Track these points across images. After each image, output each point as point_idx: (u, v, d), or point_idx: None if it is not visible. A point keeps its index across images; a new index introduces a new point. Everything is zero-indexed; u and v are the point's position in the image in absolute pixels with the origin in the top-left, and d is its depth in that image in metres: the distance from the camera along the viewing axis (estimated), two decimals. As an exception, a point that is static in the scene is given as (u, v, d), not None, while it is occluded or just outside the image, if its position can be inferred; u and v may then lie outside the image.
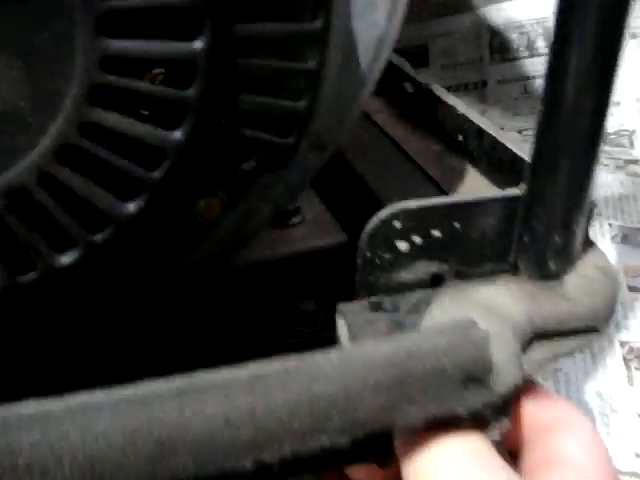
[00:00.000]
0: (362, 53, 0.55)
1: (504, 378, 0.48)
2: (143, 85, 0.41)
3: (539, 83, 1.49)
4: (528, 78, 1.48)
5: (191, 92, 0.42)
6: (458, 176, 0.78)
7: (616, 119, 1.49)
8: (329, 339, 0.67)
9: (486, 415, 0.48)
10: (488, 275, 0.63)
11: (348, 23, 0.52)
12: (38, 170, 0.42)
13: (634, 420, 0.90)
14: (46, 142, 0.42)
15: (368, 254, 0.58)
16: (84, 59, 0.40)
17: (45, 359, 0.50)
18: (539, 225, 0.58)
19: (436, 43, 1.52)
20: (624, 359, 0.98)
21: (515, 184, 0.74)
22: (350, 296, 0.70)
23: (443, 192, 0.76)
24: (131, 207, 0.45)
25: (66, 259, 0.46)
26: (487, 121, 0.78)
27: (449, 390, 0.45)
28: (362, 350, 0.43)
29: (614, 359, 0.98)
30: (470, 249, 0.61)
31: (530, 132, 1.48)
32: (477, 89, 1.52)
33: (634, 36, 1.47)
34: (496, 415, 0.49)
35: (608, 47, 0.52)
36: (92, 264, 0.47)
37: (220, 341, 0.71)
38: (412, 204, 0.58)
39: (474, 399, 0.46)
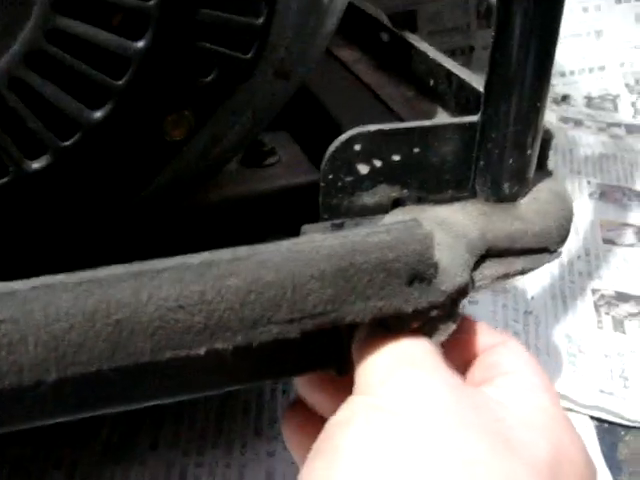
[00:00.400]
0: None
1: (450, 279, 0.51)
2: (107, -7, 0.44)
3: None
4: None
5: (152, 3, 0.45)
6: (428, 117, 0.81)
7: (600, 83, 1.52)
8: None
9: (432, 316, 0.51)
10: (448, 201, 0.65)
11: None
12: (8, 74, 0.45)
13: (601, 360, 0.93)
14: (15, 47, 0.45)
15: (330, 176, 0.61)
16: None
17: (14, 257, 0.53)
18: (494, 149, 0.61)
19: (424, 9, 1.54)
20: (595, 305, 1.01)
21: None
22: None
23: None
24: (98, 114, 0.48)
25: (37, 164, 0.49)
26: (455, 64, 0.81)
27: (395, 286, 0.48)
28: (311, 242, 0.46)
29: (585, 304, 1.01)
30: (430, 175, 0.64)
31: None
32: (464, 54, 1.55)
33: (619, 1, 1.50)
34: (443, 318, 0.52)
35: None
36: (61, 171, 0.49)
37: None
38: (371, 127, 0.61)
39: (420, 296, 0.49)
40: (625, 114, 1.48)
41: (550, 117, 1.35)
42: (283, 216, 0.80)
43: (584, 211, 1.18)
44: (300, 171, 0.80)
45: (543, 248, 0.62)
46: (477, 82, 0.77)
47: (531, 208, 0.62)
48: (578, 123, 1.42)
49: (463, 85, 0.78)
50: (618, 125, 1.44)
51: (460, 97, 0.79)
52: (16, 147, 0.48)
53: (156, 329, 0.44)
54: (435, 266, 0.49)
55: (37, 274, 0.43)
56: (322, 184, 0.61)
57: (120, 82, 0.47)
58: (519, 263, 0.62)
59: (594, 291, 1.03)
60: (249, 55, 0.50)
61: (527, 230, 0.61)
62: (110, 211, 0.56)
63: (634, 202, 1.22)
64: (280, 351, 0.52)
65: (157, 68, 0.48)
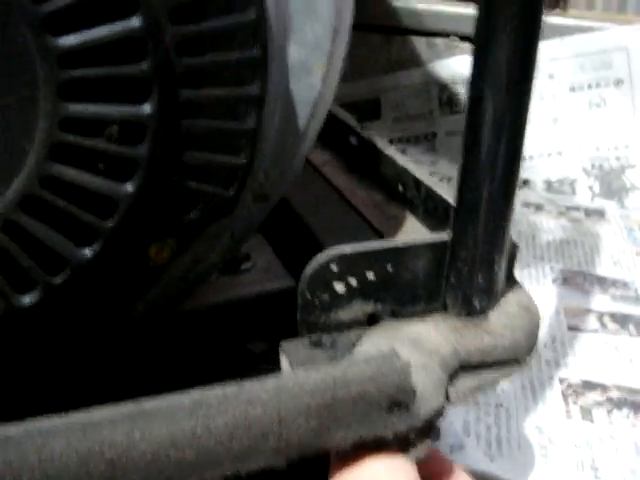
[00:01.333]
0: (300, 112, 0.61)
1: (427, 403, 0.54)
2: (99, 143, 0.46)
3: (485, 135, 1.57)
4: (475, 130, 1.56)
5: (141, 150, 0.48)
6: (397, 223, 0.84)
7: (558, 168, 1.57)
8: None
9: (410, 437, 0.53)
10: (421, 314, 0.68)
11: (286, 86, 0.58)
12: (2, 218, 0.47)
13: (571, 451, 0.95)
14: (10, 193, 0.47)
15: (308, 295, 0.64)
16: (46, 121, 0.45)
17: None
18: (463, 267, 0.64)
19: (387, 97, 1.59)
20: (562, 394, 1.03)
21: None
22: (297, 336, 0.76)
23: (382, 237, 0.82)
24: (87, 252, 0.50)
25: (27, 299, 0.50)
26: (423, 172, 0.85)
27: (375, 414, 0.50)
28: (295, 378, 0.49)
29: (553, 394, 1.04)
30: (403, 290, 0.67)
31: None
32: (427, 140, 1.59)
33: (572, 90, 1.56)
34: (419, 437, 0.55)
35: (518, 103, 0.59)
36: (50, 305, 0.51)
37: (172, 384, 0.75)
38: (347, 249, 0.63)
39: (399, 422, 0.51)
40: (583, 197, 1.54)
41: (512, 202, 1.39)
42: (259, 321, 0.82)
43: (548, 298, 1.21)
44: (275, 277, 0.83)
45: (513, 360, 0.65)
46: (445, 191, 0.81)
47: (501, 322, 0.65)
48: (539, 207, 1.46)
49: (431, 194, 0.81)
50: (577, 209, 1.49)
51: (428, 204, 0.82)
52: (6, 283, 0.49)
53: (148, 464, 0.45)
54: (413, 393, 0.51)
55: (31, 405, 0.45)
56: (300, 302, 0.64)
57: (109, 223, 0.49)
58: (491, 375, 0.64)
59: (561, 380, 1.06)
60: (232, 191, 0.53)
61: (497, 344, 0.63)
62: (98, 333, 0.57)
63: (595, 287, 1.26)
64: (266, 475, 0.53)
65: (144, 208, 0.50)
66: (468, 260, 0.63)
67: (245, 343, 0.82)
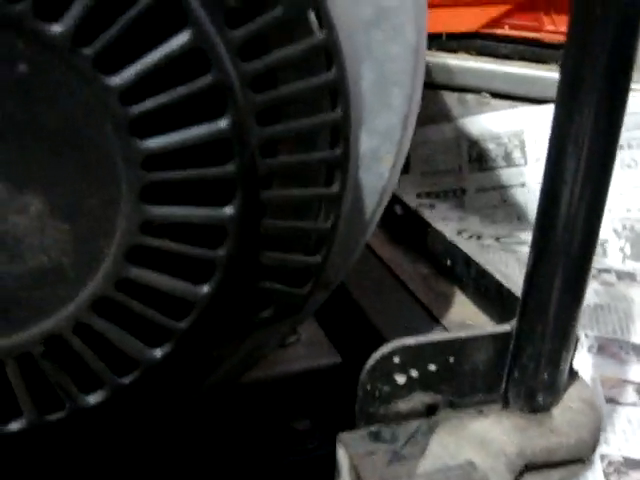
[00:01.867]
0: (367, 201, 0.60)
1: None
2: (177, 246, 0.45)
3: (515, 192, 1.55)
4: (505, 187, 1.55)
5: (220, 252, 0.46)
6: (446, 300, 0.82)
7: (589, 229, 1.55)
8: (324, 457, 0.70)
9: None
10: (478, 405, 0.66)
11: (356, 177, 0.57)
12: (75, 320, 0.46)
13: (614, 534, 0.92)
14: (84, 295, 0.45)
15: (368, 387, 0.62)
16: (126, 223, 0.44)
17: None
18: (529, 362, 0.62)
19: (417, 151, 1.58)
20: (604, 473, 1.01)
21: (501, 312, 0.78)
22: (344, 415, 0.74)
23: (434, 318, 0.80)
24: (158, 353, 0.48)
25: (93, 399, 0.49)
26: (474, 250, 0.83)
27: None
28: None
29: (594, 473, 1.01)
30: (463, 381, 0.65)
31: (508, 239, 1.52)
32: (456, 196, 1.58)
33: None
34: None
35: (597, 197, 0.58)
36: (115, 403, 0.49)
37: (218, 459, 0.73)
38: (411, 341, 0.62)
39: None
40: (614, 259, 1.52)
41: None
42: (304, 398, 0.80)
43: (584, 367, 1.18)
44: (321, 352, 0.81)
45: (578, 459, 0.63)
46: (497, 272, 0.79)
47: (565, 419, 0.63)
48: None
49: (482, 273, 0.80)
50: (608, 271, 1.47)
51: (479, 284, 0.80)
52: (74, 384, 0.48)
53: None
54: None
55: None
56: (360, 393, 0.62)
57: (182, 324, 0.48)
58: (556, 475, 0.62)
59: (602, 457, 1.03)
60: (306, 289, 0.51)
61: (563, 443, 0.61)
62: (164, 420, 0.56)
63: (631, 356, 1.23)
64: None
65: (218, 308, 0.48)
66: (534, 356, 0.62)
67: (289, 420, 0.80)
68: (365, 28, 0.55)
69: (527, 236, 1.50)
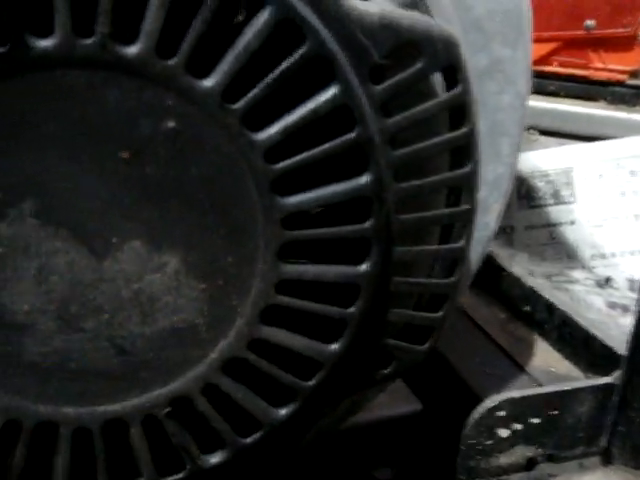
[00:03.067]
0: (473, 253, 0.59)
1: None
2: (311, 305, 0.44)
3: (565, 230, 1.54)
4: (554, 225, 1.53)
5: (352, 310, 0.45)
6: (528, 347, 0.81)
7: (640, 267, 1.54)
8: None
9: None
10: (578, 458, 0.65)
11: (468, 228, 0.56)
12: (204, 381, 0.44)
13: None
14: (215, 355, 0.44)
15: (471, 441, 0.60)
16: (262, 282, 0.43)
17: None
18: (636, 416, 0.60)
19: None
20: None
21: (587, 359, 0.76)
22: (424, 464, 0.72)
23: (517, 365, 0.78)
24: (282, 413, 0.47)
25: (214, 459, 0.47)
26: (557, 296, 0.82)
27: None
28: None
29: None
30: (565, 434, 0.63)
31: (559, 278, 1.49)
32: (505, 234, 1.56)
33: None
34: None
35: None
36: (236, 463, 0.48)
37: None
38: (516, 394, 0.60)
39: None
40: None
41: (597, 302, 1.35)
42: (385, 446, 0.79)
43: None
44: (402, 400, 0.79)
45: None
46: (582, 318, 0.77)
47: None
48: (625, 309, 1.42)
49: (567, 320, 0.78)
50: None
51: (563, 331, 0.79)
52: (195, 445, 0.46)
53: None
54: None
55: None
56: (462, 447, 0.61)
57: (309, 383, 0.46)
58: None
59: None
60: (427, 346, 0.50)
61: (673, 502, 0.59)
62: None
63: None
64: None
65: (345, 367, 0.47)
66: (643, 410, 0.60)
67: (370, 469, 0.78)
68: (479, 78, 0.54)
69: (578, 274, 1.48)
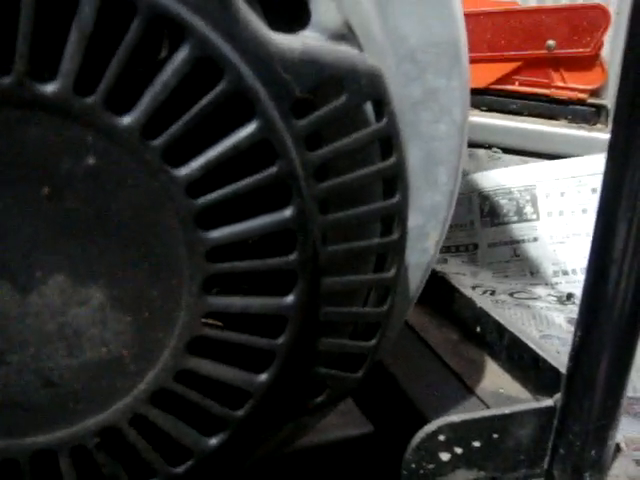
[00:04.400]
0: (412, 278, 0.59)
1: None
2: (237, 336, 0.44)
3: (528, 247, 1.55)
4: (517, 242, 1.55)
5: (280, 341, 0.45)
6: (478, 369, 0.82)
7: (602, 283, 1.55)
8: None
9: None
10: (522, 480, 0.65)
11: (403, 255, 0.56)
12: (132, 412, 0.45)
13: None
14: (143, 387, 0.44)
15: (413, 465, 0.61)
16: (188, 314, 0.43)
17: None
18: (575, 440, 0.61)
19: (428, 205, 1.58)
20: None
21: (536, 381, 0.77)
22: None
23: (466, 387, 0.79)
24: (213, 442, 0.47)
25: (146, 492, 0.47)
26: (506, 317, 0.83)
27: None
28: None
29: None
30: (506, 457, 0.64)
31: (522, 294, 1.50)
32: (469, 251, 1.58)
33: None
34: None
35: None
36: (168, 493, 0.48)
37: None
38: (456, 418, 0.61)
39: None
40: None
41: (558, 318, 1.36)
42: (336, 467, 0.79)
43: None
44: (353, 422, 0.79)
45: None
46: (531, 340, 0.78)
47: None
48: (586, 327, 1.43)
49: (516, 342, 0.79)
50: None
51: (512, 352, 0.80)
52: (127, 476, 0.47)
53: None
54: None
55: None
56: (404, 472, 0.61)
57: (238, 412, 0.47)
58: None
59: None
60: (360, 374, 0.51)
61: (612, 525, 0.60)
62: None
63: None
64: None
65: (274, 396, 0.47)
66: (581, 433, 0.61)
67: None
68: (413, 108, 0.55)
69: (541, 291, 1.49)
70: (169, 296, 0.43)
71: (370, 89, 0.44)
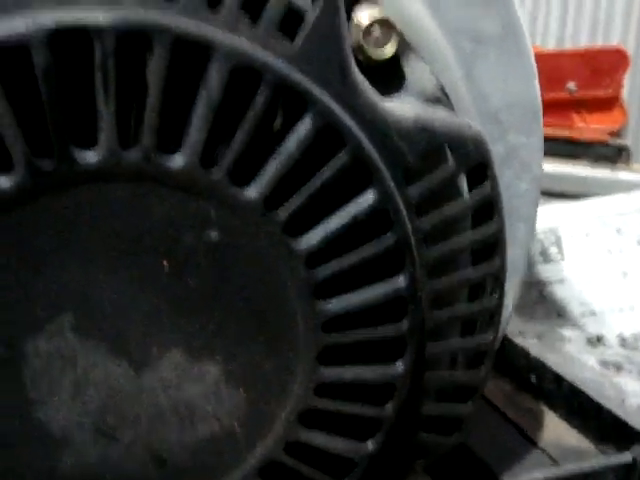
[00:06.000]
0: (495, 335, 0.59)
1: None
2: (349, 407, 0.43)
3: (554, 288, 1.55)
4: (544, 283, 1.54)
5: (388, 409, 0.45)
6: (535, 419, 0.81)
7: (631, 322, 1.55)
8: None
9: None
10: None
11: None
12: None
13: None
14: (252, 461, 0.43)
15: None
16: (301, 386, 0.42)
17: None
18: (660, 497, 0.60)
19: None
20: None
21: (597, 430, 0.76)
22: None
23: (528, 438, 0.78)
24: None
25: None
26: (564, 365, 0.82)
27: None
28: None
29: None
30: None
31: (550, 337, 1.48)
32: (494, 293, 1.57)
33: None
34: None
35: None
36: None
37: None
38: (539, 475, 0.60)
39: None
40: (659, 355, 1.50)
41: (589, 360, 1.35)
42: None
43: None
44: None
45: None
46: (592, 390, 0.77)
47: None
48: (619, 367, 1.42)
49: (575, 391, 0.78)
50: None
51: (572, 402, 0.79)
52: None
53: None
54: None
55: None
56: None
57: (345, 482, 0.46)
58: None
59: None
60: (457, 439, 0.50)
61: None
62: None
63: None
64: None
65: (378, 463, 0.46)
66: (666, 492, 0.60)
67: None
68: (498, 167, 0.55)
69: (569, 332, 1.48)
70: (283, 368, 0.42)
71: (476, 155, 0.44)
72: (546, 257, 1.55)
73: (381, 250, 0.41)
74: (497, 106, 0.54)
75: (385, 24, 0.43)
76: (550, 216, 1.56)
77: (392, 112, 0.41)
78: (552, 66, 1.55)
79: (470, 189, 0.48)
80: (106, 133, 0.36)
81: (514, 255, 0.58)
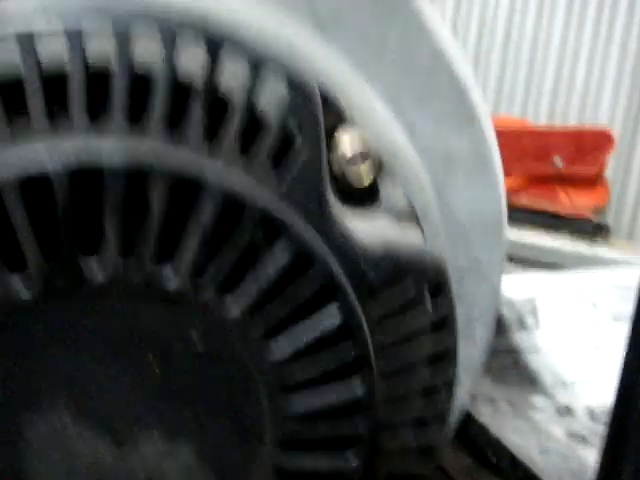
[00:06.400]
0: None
1: None
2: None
3: (528, 356, 1.61)
4: (518, 351, 1.60)
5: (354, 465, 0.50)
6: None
7: (599, 396, 1.60)
8: None
9: None
10: None
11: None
12: None
13: None
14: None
15: None
16: (265, 469, 0.48)
17: None
18: None
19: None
20: None
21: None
22: None
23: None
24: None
25: None
26: (521, 448, 0.87)
27: None
28: None
29: None
30: None
31: (521, 405, 1.53)
32: (470, 356, 1.63)
33: (615, 319, 1.61)
34: None
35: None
36: None
37: None
38: None
39: None
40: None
41: (557, 431, 1.40)
42: None
43: None
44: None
45: None
46: (543, 472, 0.83)
47: None
48: (584, 440, 1.47)
49: (529, 473, 0.84)
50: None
51: (525, 482, 0.84)
52: None
53: None
54: None
55: None
56: None
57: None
58: None
59: None
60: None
61: None
62: None
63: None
64: None
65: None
66: None
67: None
68: (458, 276, 0.61)
69: (540, 401, 1.54)
70: (249, 456, 0.48)
71: (436, 279, 0.51)
72: (522, 325, 1.61)
73: (343, 361, 0.47)
74: (464, 222, 0.61)
75: (368, 156, 0.50)
76: (528, 286, 1.63)
77: (362, 241, 0.48)
78: (541, 143, 1.63)
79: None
80: (111, 255, 0.42)
81: (470, 353, 0.64)
